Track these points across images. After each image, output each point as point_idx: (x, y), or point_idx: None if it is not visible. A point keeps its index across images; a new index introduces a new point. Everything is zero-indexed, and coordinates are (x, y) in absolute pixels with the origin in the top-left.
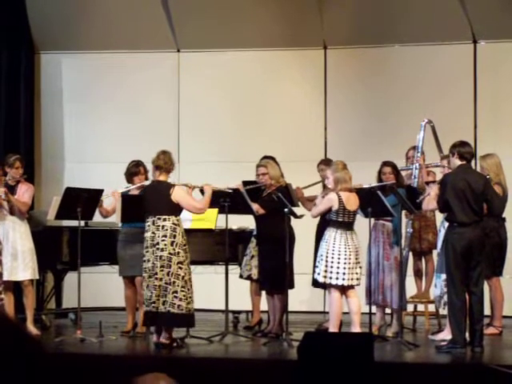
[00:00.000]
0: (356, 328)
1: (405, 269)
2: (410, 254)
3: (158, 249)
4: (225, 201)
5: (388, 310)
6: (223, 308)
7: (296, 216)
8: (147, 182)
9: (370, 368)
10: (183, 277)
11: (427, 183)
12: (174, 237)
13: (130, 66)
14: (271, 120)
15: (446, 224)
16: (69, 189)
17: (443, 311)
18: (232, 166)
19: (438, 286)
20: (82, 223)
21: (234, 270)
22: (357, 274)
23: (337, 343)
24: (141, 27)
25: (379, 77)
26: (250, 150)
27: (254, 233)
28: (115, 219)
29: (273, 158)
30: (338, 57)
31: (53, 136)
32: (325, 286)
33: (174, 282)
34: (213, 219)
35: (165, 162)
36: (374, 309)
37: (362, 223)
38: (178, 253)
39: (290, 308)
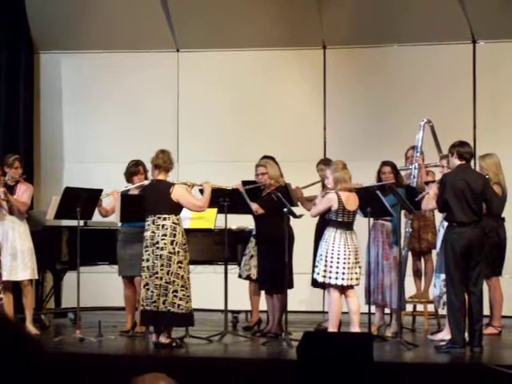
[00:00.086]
0: (355, 328)
1: (404, 269)
2: (410, 253)
3: (157, 248)
4: (224, 200)
5: (387, 310)
6: (222, 308)
7: (295, 216)
8: (147, 182)
9: (369, 368)
10: (182, 276)
11: (426, 183)
12: (174, 236)
13: (130, 66)
14: (270, 120)
15: (446, 224)
16: (68, 188)
17: (442, 311)
18: (231, 166)
19: (437, 285)
20: (82, 223)
21: (233, 269)
22: (356, 273)
23: (336, 343)
24: (140, 27)
25: (378, 77)
26: (250, 150)
27: (254, 233)
28: (114, 219)
29: (272, 158)
30: (337, 57)
31: (52, 136)
32: (324, 286)
33: (173, 282)
34: (212, 219)
35: (164, 161)
36: (373, 309)
37: (361, 223)
38: (178, 252)
39: (290, 308)
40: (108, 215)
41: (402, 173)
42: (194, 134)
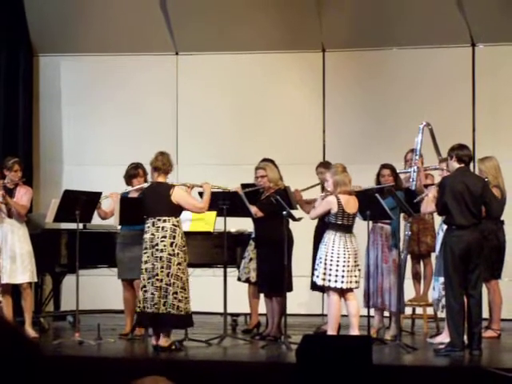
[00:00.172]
0: (354, 331)
1: (403, 272)
2: (409, 256)
3: (157, 250)
4: (223, 203)
5: (386, 313)
6: (221, 311)
7: (294, 219)
8: (146, 185)
9: (368, 371)
10: (182, 278)
11: (425, 186)
12: (174, 238)
13: (129, 69)
14: (270, 122)
15: (445, 227)
16: (67, 191)
17: (441, 314)
18: (230, 169)
19: (436, 288)
20: (81, 226)
21: (233, 272)
22: (355, 276)
23: (335, 346)
24: (139, 30)
25: (377, 79)
26: (249, 153)
27: (253, 235)
28: (113, 221)
29: (271, 161)
30: (337, 59)
31: (51, 138)
32: (323, 289)
33: (173, 283)
34: (211, 222)
35: (163, 163)
36: (372, 312)
37: (360, 226)
38: (178, 254)
39: (289, 311)
40: (107, 218)
41: (402, 176)
42: (194, 137)
